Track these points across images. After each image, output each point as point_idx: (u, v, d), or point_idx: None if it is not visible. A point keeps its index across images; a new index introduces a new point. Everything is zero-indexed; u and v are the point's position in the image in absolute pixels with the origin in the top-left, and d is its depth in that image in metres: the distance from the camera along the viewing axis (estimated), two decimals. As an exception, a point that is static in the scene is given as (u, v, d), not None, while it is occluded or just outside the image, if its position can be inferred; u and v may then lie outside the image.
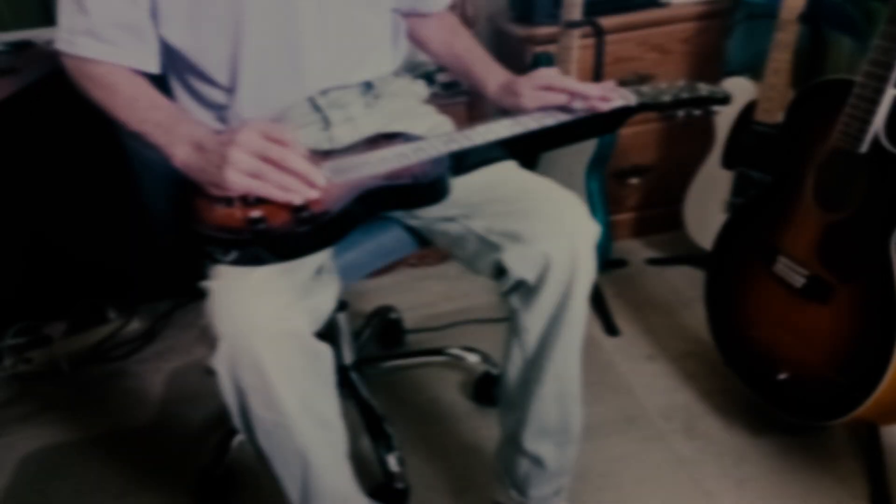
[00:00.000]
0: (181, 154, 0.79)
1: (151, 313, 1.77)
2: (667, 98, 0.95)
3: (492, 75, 1.02)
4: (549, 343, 0.91)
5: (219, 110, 0.94)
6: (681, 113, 0.98)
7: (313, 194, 0.77)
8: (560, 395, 0.94)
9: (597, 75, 1.51)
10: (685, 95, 0.96)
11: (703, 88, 0.97)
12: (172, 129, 0.81)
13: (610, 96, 0.91)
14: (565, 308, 0.88)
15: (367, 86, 1.00)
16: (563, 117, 0.91)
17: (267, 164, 0.75)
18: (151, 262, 1.68)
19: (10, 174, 1.62)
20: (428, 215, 0.96)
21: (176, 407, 1.46)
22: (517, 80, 0.96)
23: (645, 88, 0.96)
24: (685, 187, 1.66)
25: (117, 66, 0.85)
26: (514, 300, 0.92)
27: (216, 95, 0.92)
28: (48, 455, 1.37)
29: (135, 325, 1.74)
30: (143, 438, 1.38)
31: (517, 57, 1.63)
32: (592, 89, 0.90)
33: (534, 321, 0.90)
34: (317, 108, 0.96)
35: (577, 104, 0.91)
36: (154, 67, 0.88)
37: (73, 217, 1.69)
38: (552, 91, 0.92)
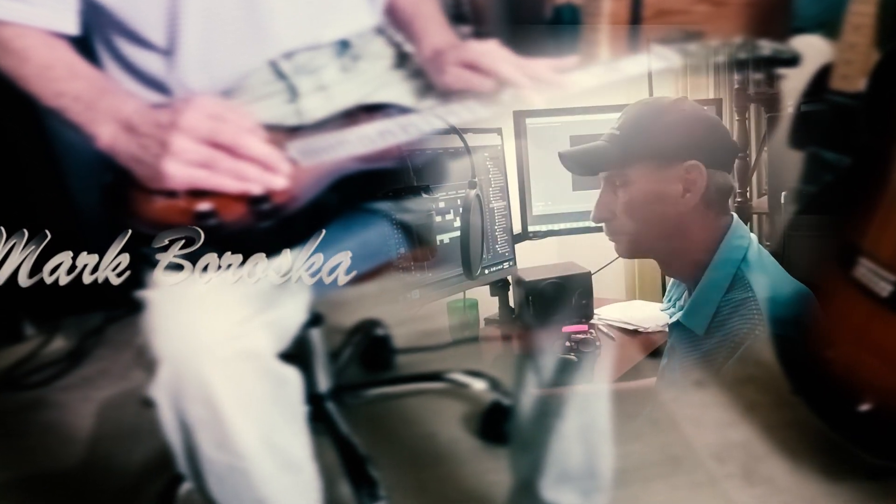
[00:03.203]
0: (106, 135, 0.80)
1: (78, 329, 1.77)
2: (720, 59, 0.95)
3: (429, 35, 0.99)
4: (576, 363, 0.91)
5: (155, 81, 0.94)
6: (737, 80, 0.98)
7: (277, 181, 0.77)
8: (586, 432, 0.94)
9: (633, 33, 1.50)
10: (743, 56, 0.96)
11: (766, 47, 0.98)
12: (94, 103, 0.81)
13: (549, 79, 0.89)
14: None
15: (343, 45, 1.00)
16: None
17: (217, 150, 0.75)
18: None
19: None
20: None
21: (109, 445, 1.46)
22: (448, 50, 0.94)
23: (692, 48, 0.97)
24: (743, 171, 1.66)
25: (29, 27, 0.85)
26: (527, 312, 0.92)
27: (151, 61, 0.92)
28: (-50, 505, 1.37)
29: (57, 344, 1.74)
30: (68, 484, 1.38)
31: (534, 9, 1.62)
32: (520, 76, 0.87)
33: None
34: (280, 74, 0.96)
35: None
36: (72, 27, 0.88)
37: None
38: (476, 72, 0.90)
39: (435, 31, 1.00)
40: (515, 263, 1.74)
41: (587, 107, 1.66)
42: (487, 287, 1.71)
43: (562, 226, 1.77)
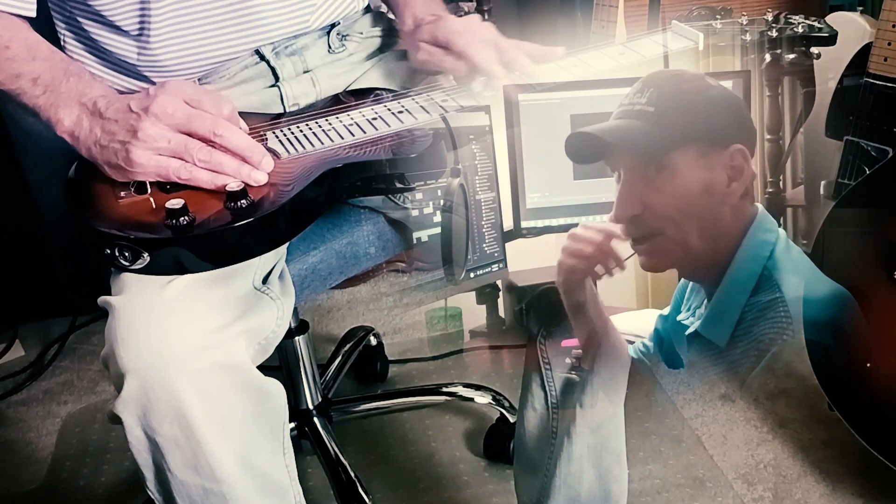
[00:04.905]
0: (68, 119, 0.80)
1: (39, 337, 1.77)
2: (748, 37, 0.96)
3: (413, 6, 0.98)
4: (583, 380, 0.91)
5: (126, 67, 0.94)
6: (768, 58, 0.98)
7: (256, 176, 0.77)
8: (598, 452, 0.94)
9: (652, 9, 1.50)
10: (774, 34, 0.96)
11: (800, 23, 0.98)
12: (56, 85, 0.81)
13: (526, 69, 0.89)
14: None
15: (330, 24, 1.00)
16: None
17: (192, 139, 0.75)
18: (40, 267, 1.68)
19: None
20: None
21: (74, 466, 1.46)
22: (425, 24, 0.93)
23: (718, 25, 0.97)
24: (776, 156, 1.66)
25: None
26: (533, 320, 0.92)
27: (121, 45, 0.92)
28: None
29: (17, 354, 1.75)
30: (28, 509, 1.39)
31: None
32: (493, 64, 0.87)
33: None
34: (260, 56, 0.96)
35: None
36: (28, 9, 0.88)
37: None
38: (448, 53, 0.89)
39: (419, 1, 0.99)
40: (506, 265, 1.71)
41: (590, 81, 1.59)
42: (473, 293, 1.68)
43: (561, 221, 1.71)
